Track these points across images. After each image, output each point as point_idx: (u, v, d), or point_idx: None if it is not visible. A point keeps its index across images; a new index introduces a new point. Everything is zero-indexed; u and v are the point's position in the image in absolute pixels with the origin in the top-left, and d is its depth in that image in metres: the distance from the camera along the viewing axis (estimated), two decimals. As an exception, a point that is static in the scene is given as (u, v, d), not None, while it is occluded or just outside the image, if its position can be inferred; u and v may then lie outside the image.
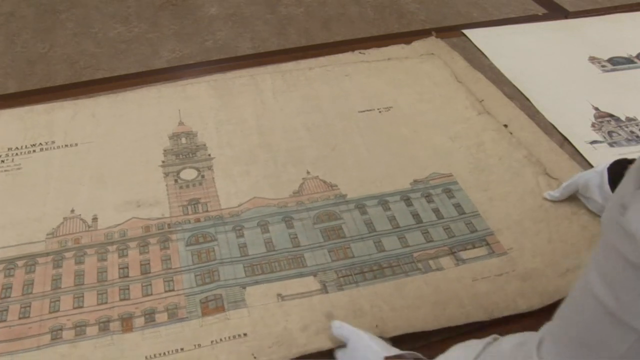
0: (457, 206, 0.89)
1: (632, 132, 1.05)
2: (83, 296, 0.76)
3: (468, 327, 0.72)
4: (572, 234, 0.82)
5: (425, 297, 0.75)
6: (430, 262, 0.81)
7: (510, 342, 0.54)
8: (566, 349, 0.45)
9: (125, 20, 1.38)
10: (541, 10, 1.44)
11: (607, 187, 0.77)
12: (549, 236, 0.82)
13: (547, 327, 0.49)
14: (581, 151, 1.00)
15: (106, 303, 0.75)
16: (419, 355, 0.63)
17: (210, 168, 0.95)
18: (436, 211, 0.88)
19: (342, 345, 0.69)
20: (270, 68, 1.18)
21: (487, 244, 0.83)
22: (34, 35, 1.33)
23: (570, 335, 0.45)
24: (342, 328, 0.69)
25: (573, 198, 0.84)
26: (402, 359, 0.63)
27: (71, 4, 1.44)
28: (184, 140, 1.01)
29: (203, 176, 0.94)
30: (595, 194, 0.79)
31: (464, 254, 0.81)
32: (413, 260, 0.81)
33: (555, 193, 0.86)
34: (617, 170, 0.77)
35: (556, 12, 1.43)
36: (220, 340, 0.71)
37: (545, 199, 0.87)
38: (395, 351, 0.65)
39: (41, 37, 1.32)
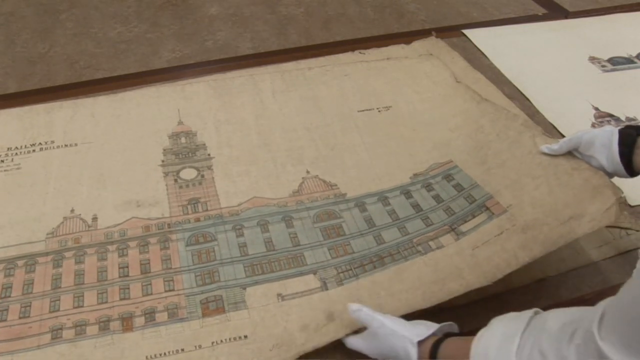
0: (457, 186, 0.89)
1: (632, 131, 1.05)
2: (83, 296, 0.76)
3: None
4: (574, 185, 0.76)
5: (424, 278, 0.75)
6: (430, 242, 0.81)
7: (557, 320, 0.50)
8: (629, 328, 0.43)
9: (125, 20, 1.38)
10: (541, 10, 1.44)
11: (616, 146, 0.72)
12: (549, 189, 0.78)
13: (608, 303, 0.46)
14: (581, 151, 1.00)
15: (106, 302, 0.75)
16: (453, 328, 0.61)
17: (209, 168, 0.95)
18: (436, 197, 0.88)
19: (358, 330, 0.66)
20: (270, 68, 1.18)
21: (487, 209, 0.82)
22: (34, 35, 1.33)
23: (636, 312, 0.42)
24: (360, 312, 0.64)
25: (572, 156, 0.79)
26: (434, 336, 0.60)
27: (71, 4, 1.45)
28: (183, 139, 1.01)
29: (203, 176, 0.94)
30: (598, 153, 0.74)
31: (463, 227, 0.81)
32: (413, 245, 0.81)
33: (554, 146, 0.80)
34: (629, 133, 0.72)
35: (556, 12, 1.43)
36: (221, 341, 0.71)
37: (544, 153, 0.81)
38: (424, 331, 0.61)
39: (41, 37, 1.32)
